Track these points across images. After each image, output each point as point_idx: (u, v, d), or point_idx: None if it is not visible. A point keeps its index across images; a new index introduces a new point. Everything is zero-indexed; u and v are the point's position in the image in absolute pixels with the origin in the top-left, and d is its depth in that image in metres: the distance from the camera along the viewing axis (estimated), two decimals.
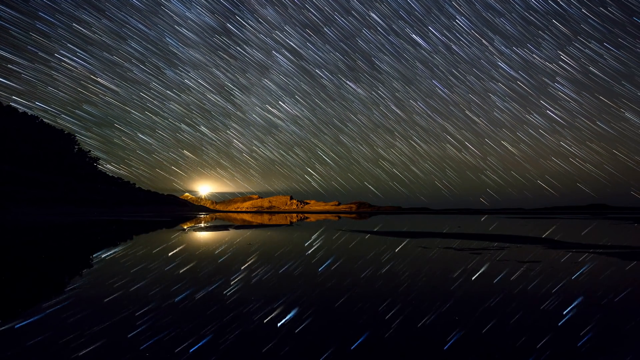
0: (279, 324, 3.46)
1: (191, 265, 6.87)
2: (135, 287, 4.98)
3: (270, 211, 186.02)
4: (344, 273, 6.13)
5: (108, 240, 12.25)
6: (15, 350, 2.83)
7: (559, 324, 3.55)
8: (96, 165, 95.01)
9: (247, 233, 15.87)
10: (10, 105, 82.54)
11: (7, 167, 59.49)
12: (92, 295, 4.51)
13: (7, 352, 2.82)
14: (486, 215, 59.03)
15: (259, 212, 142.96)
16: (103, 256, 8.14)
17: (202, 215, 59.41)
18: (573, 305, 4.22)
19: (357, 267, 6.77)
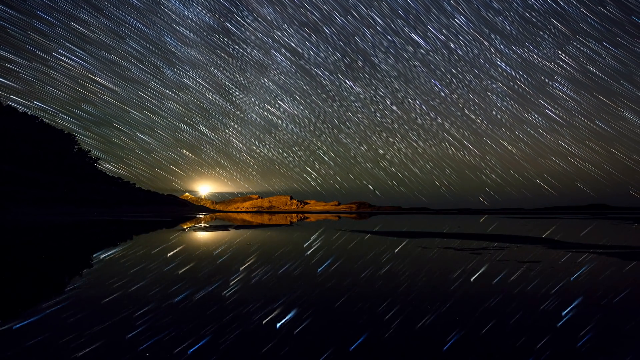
0: (278, 324, 3.46)
1: (191, 265, 6.87)
2: (135, 287, 4.98)
3: (270, 211, 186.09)
4: (344, 273, 6.13)
5: (108, 240, 12.25)
6: (15, 350, 2.83)
7: (559, 324, 3.55)
8: (96, 165, 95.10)
9: (247, 233, 15.87)
10: (10, 105, 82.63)
11: (7, 167, 59.51)
12: (92, 296, 4.50)
13: (7, 352, 2.81)
14: (486, 215, 59.04)
15: (259, 212, 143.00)
16: (103, 256, 8.14)
17: (202, 215, 59.43)
18: (573, 305, 4.22)
19: (357, 267, 6.77)
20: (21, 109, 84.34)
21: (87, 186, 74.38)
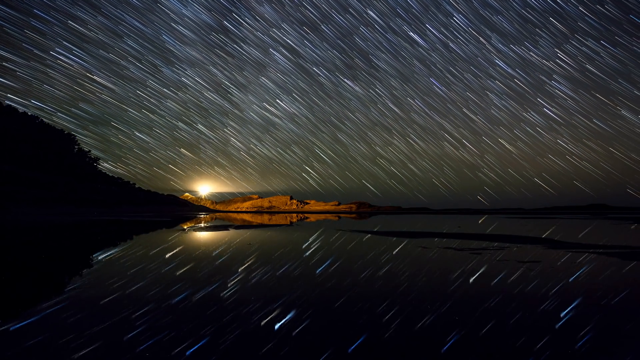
0: (278, 324, 3.46)
1: (191, 265, 6.87)
2: (135, 287, 4.98)
3: (270, 211, 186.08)
4: (344, 273, 6.12)
5: (108, 241, 12.25)
6: (15, 350, 2.83)
7: (559, 324, 3.55)
8: (96, 165, 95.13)
9: (247, 233, 15.87)
10: (10, 105, 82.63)
11: (7, 167, 59.51)
12: (92, 296, 4.50)
13: (7, 352, 2.81)
14: (486, 215, 59.04)
15: (259, 212, 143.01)
16: (103, 256, 8.14)
17: (202, 215, 59.43)
18: (573, 305, 4.22)
19: (356, 267, 6.77)
20: (19, 108, 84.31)
21: (87, 186, 74.37)
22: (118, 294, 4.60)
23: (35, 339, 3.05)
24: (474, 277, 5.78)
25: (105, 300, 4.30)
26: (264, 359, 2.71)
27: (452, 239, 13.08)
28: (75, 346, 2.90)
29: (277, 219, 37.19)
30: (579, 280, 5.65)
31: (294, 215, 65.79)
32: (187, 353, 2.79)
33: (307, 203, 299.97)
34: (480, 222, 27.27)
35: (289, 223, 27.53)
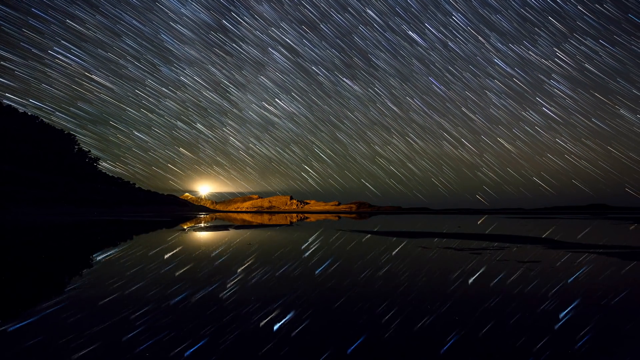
0: (278, 325, 3.46)
1: (191, 265, 6.87)
2: (135, 287, 4.98)
3: (270, 211, 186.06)
4: (344, 273, 6.12)
5: (108, 241, 12.25)
6: (15, 350, 2.83)
7: (559, 324, 3.55)
8: (96, 165, 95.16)
9: (247, 233, 15.87)
10: (11, 105, 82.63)
11: (7, 167, 59.51)
12: (92, 296, 4.50)
13: (7, 352, 2.81)
14: (486, 216, 59.04)
15: (259, 212, 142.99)
16: (103, 256, 8.14)
17: (202, 216, 59.43)
18: (573, 305, 4.22)
19: (356, 267, 6.77)
20: (17, 107, 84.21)
21: (87, 186, 74.38)
22: (118, 294, 4.60)
23: (35, 339, 3.05)
24: (474, 277, 5.78)
25: (105, 300, 4.30)
26: (264, 359, 2.71)
27: (452, 239, 13.08)
28: (75, 346, 2.90)
29: (277, 219, 37.19)
30: (579, 280, 5.65)
31: (294, 215, 65.78)
32: (187, 353, 2.79)
33: (307, 203, 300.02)
34: (479, 222, 27.26)
35: (289, 223, 27.53)
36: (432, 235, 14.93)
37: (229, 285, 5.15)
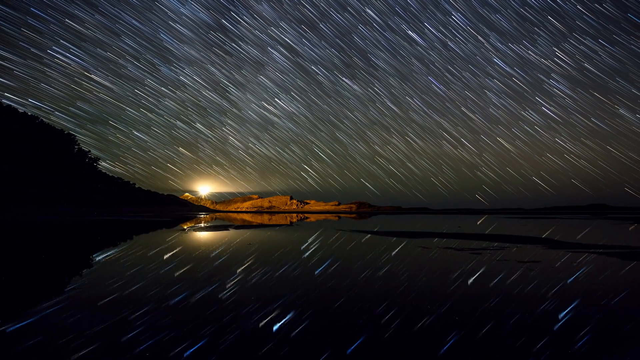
0: (278, 325, 3.46)
1: (191, 265, 6.87)
2: (135, 287, 4.98)
3: (270, 211, 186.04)
4: (344, 273, 6.12)
5: (108, 241, 12.25)
6: (15, 350, 2.83)
7: (559, 324, 3.55)
8: (96, 165, 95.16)
9: (247, 233, 15.87)
10: (11, 105, 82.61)
11: (7, 167, 59.52)
12: (92, 296, 4.50)
13: (7, 352, 2.81)
14: (486, 216, 59.05)
15: (259, 212, 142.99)
16: (103, 256, 8.14)
17: (202, 215, 59.43)
18: (573, 305, 4.22)
19: (356, 267, 6.77)
20: (15, 107, 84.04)
21: (87, 186, 74.38)
22: (118, 294, 4.60)
23: (35, 339, 3.05)
24: (473, 277, 5.77)
25: (105, 300, 4.30)
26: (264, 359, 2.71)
27: (452, 239, 13.08)
28: (75, 346, 2.90)
29: (277, 219, 37.19)
30: (579, 280, 5.65)
31: (294, 215, 65.78)
32: (187, 353, 2.79)
33: (307, 203, 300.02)
34: (479, 223, 27.25)
35: (289, 223, 27.53)
36: (432, 235, 14.93)
37: (229, 285, 5.15)
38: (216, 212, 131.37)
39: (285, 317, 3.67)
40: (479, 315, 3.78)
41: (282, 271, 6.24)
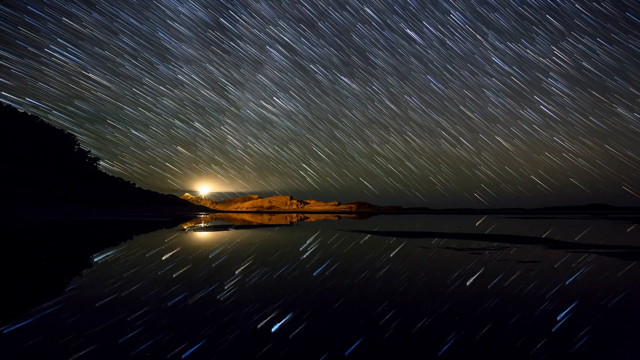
0: (278, 325, 3.46)
1: (191, 265, 6.87)
2: (135, 287, 4.98)
3: (270, 211, 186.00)
4: (344, 274, 6.12)
5: (108, 241, 12.25)
6: (15, 350, 2.83)
7: (559, 324, 3.54)
8: (96, 165, 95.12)
9: (247, 233, 15.87)
10: (11, 105, 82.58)
11: (7, 167, 59.51)
12: (92, 296, 4.50)
13: (6, 352, 2.81)
14: (485, 216, 59.05)
15: (259, 212, 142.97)
16: (103, 256, 8.14)
17: (202, 215, 59.42)
18: (573, 305, 4.21)
19: (356, 267, 6.77)
20: (13, 105, 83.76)
21: (87, 186, 74.38)
22: (118, 294, 4.60)
23: (34, 339, 3.05)
24: (473, 278, 5.77)
25: (105, 300, 4.30)
26: None
27: (452, 239, 13.08)
28: (74, 346, 2.90)
29: (277, 219, 37.19)
30: (578, 280, 5.65)
31: (294, 215, 65.78)
32: (187, 353, 2.79)
33: (307, 203, 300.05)
34: (477, 224, 27.25)
35: (289, 223, 27.53)
36: (431, 235, 14.93)
37: (228, 285, 5.15)
38: (216, 212, 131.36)
39: (285, 317, 3.67)
40: (479, 316, 3.78)
41: (282, 271, 6.24)
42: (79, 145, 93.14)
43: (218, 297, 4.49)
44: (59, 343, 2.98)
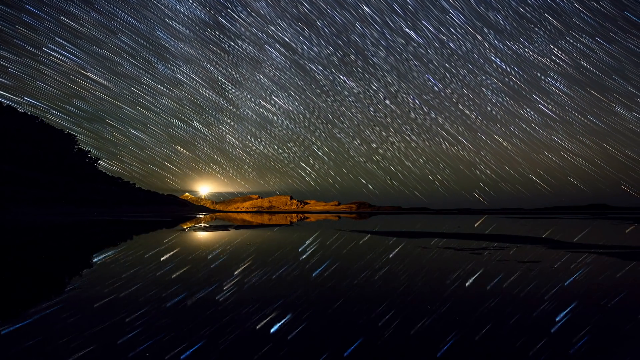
0: (278, 325, 3.45)
1: (191, 265, 6.87)
2: (135, 287, 4.98)
3: (271, 211, 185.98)
4: (343, 274, 6.12)
5: (108, 241, 12.25)
6: (15, 350, 2.83)
7: (559, 324, 3.54)
8: (96, 165, 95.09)
9: (247, 233, 15.87)
10: (11, 105, 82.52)
11: (7, 167, 59.51)
12: (91, 296, 4.50)
13: (6, 352, 2.81)
14: (485, 216, 59.05)
15: (259, 212, 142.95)
16: (102, 256, 8.14)
17: (202, 215, 59.42)
18: (573, 305, 4.21)
19: (356, 267, 6.77)
20: (10, 105, 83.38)
21: (87, 186, 74.38)
22: (118, 294, 4.60)
23: (34, 340, 3.05)
24: (473, 278, 5.77)
25: (105, 300, 4.30)
26: None
27: (452, 239, 13.08)
28: (74, 347, 2.90)
29: (277, 219, 37.18)
30: (578, 280, 5.65)
31: (294, 215, 65.78)
32: (187, 353, 2.78)
33: (307, 203, 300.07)
34: (477, 224, 27.26)
35: (288, 223, 27.53)
36: (431, 235, 14.93)
37: (228, 285, 5.15)
38: (216, 212, 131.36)
39: (285, 318, 3.67)
40: (479, 316, 3.78)
41: (281, 271, 6.24)
42: (79, 145, 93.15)
43: (218, 297, 4.49)
44: (59, 343, 2.98)
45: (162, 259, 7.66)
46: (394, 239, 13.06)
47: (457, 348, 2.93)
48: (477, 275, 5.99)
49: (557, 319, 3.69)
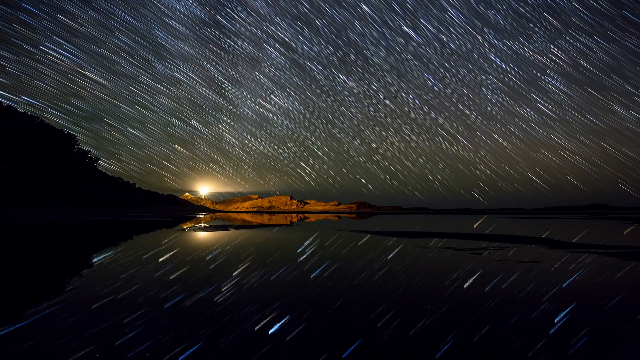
0: (278, 325, 3.45)
1: (191, 265, 6.87)
2: (135, 288, 4.97)
3: (271, 211, 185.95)
4: (343, 274, 6.12)
5: (108, 241, 12.25)
6: (15, 350, 2.83)
7: (559, 324, 3.54)
8: (96, 165, 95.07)
9: (247, 233, 15.87)
10: (11, 105, 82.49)
11: (7, 167, 59.50)
12: (91, 296, 4.50)
13: (6, 352, 2.81)
14: (485, 216, 59.06)
15: (259, 212, 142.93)
16: (102, 257, 8.14)
17: (202, 215, 59.41)
18: (573, 305, 4.21)
19: (356, 267, 6.77)
20: (8, 104, 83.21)
21: (87, 186, 74.37)
22: (117, 295, 4.60)
23: (34, 340, 3.05)
24: (473, 278, 5.77)
25: (105, 300, 4.30)
26: None
27: (452, 239, 13.08)
28: (74, 347, 2.90)
29: (277, 219, 37.18)
30: (578, 280, 5.65)
31: (294, 215, 65.77)
32: (187, 353, 2.78)
33: (307, 203, 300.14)
34: (477, 224, 27.26)
35: (288, 223, 27.53)
36: (431, 235, 14.93)
37: (228, 285, 5.15)
38: (216, 212, 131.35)
39: (284, 318, 3.67)
40: (479, 316, 3.78)
41: (281, 271, 6.24)
42: (78, 145, 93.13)
43: (217, 297, 4.49)
44: (59, 343, 2.97)
45: (161, 259, 7.66)
46: (394, 239, 13.06)
47: (457, 348, 2.92)
48: (477, 275, 5.99)
49: (556, 319, 3.69)
